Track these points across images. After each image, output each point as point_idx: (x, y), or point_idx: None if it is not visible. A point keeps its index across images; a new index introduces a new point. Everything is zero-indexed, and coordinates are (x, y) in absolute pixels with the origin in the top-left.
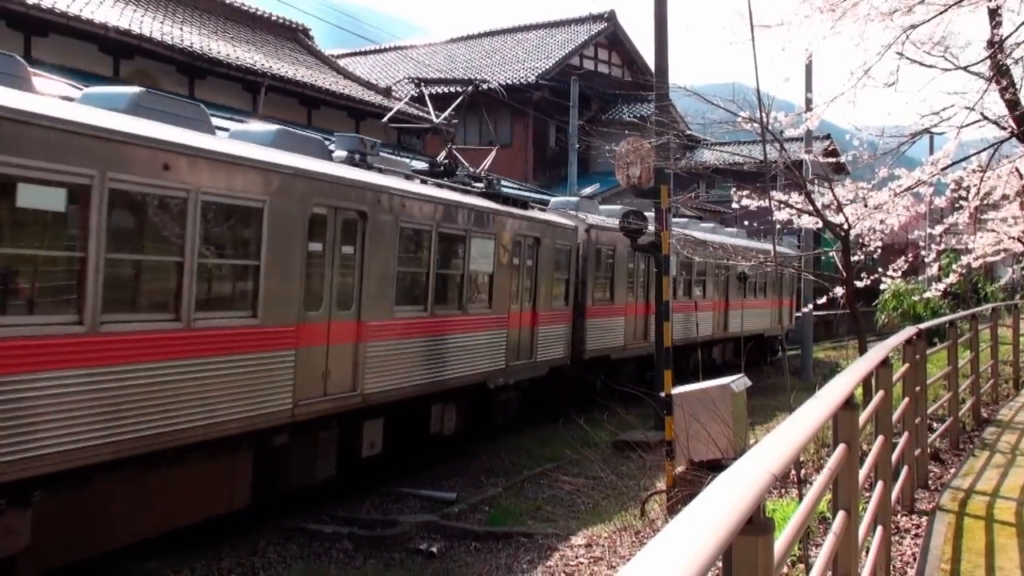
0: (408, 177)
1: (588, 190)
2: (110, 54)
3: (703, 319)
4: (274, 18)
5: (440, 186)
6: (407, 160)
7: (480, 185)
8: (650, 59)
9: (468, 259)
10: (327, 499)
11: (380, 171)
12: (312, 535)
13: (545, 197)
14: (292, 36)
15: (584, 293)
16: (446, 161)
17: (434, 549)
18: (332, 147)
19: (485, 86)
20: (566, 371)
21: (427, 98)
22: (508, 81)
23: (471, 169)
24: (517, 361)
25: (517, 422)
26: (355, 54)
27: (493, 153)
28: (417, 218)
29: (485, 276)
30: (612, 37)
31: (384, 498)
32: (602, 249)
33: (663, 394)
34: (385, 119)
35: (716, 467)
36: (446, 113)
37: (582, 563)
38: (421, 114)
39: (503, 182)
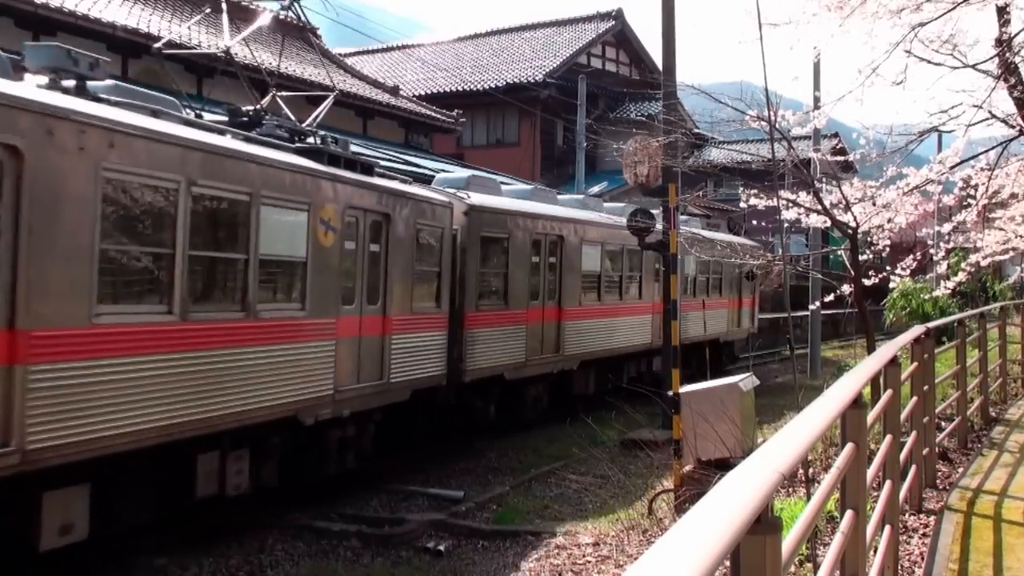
0: (155, 114)
1: (595, 188)
2: (119, 53)
3: (636, 325)
4: (282, 17)
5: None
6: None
7: (313, 145)
8: (658, 57)
9: (257, 237)
10: (334, 496)
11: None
12: (320, 533)
13: (438, 173)
14: (299, 35)
15: (463, 293)
16: (257, 107)
17: (441, 547)
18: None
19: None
20: (441, 395)
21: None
22: (515, 79)
23: (296, 122)
24: (356, 384)
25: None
26: (362, 53)
27: (330, 101)
28: (144, 163)
29: (294, 264)
30: (620, 35)
31: (391, 496)
32: (492, 236)
33: (671, 393)
34: (158, 45)
35: (724, 466)
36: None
37: (589, 562)
38: (430, 112)
39: (508, 177)
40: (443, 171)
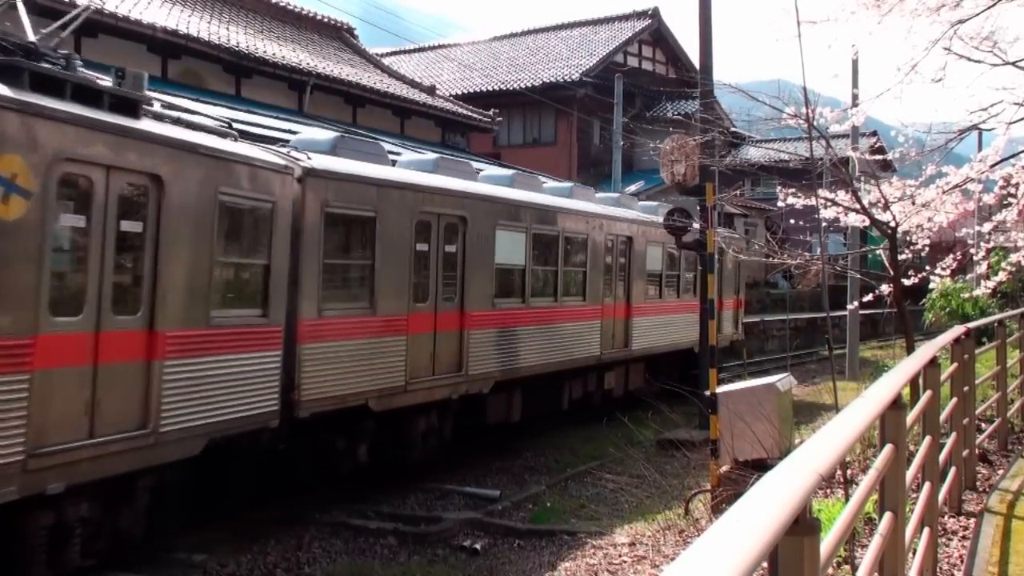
0: None
1: (632, 188)
2: (158, 54)
3: (580, 333)
4: (319, 17)
5: None
6: None
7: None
8: (694, 56)
9: None
10: (371, 494)
11: None
12: (357, 530)
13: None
14: (337, 35)
15: (298, 294)
16: None
17: (477, 546)
18: None
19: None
20: (266, 441)
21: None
22: (552, 79)
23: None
24: (83, 440)
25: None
26: (399, 52)
27: (79, 13)
28: None
29: None
30: (656, 34)
31: (428, 494)
32: (348, 215)
33: (708, 393)
34: None
35: (761, 467)
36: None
37: (625, 562)
38: (467, 112)
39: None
40: (479, 170)
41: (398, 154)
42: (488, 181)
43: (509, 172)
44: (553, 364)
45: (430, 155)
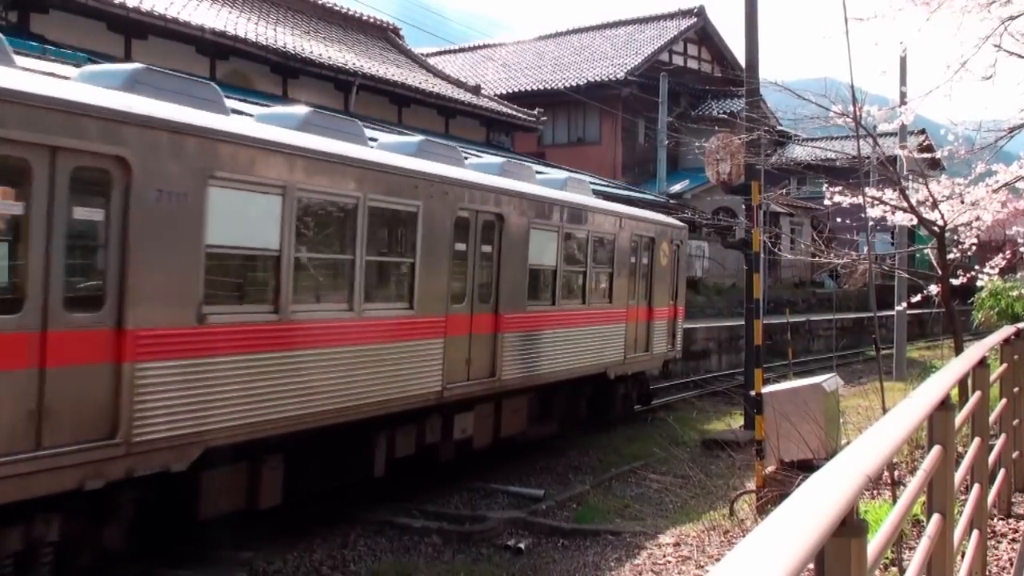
0: None
1: (677, 187)
2: (207, 55)
3: (429, 354)
4: (365, 18)
5: None
6: None
7: None
8: (740, 54)
9: None
10: (415, 493)
11: None
12: (401, 529)
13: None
14: (383, 35)
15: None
16: None
17: (522, 545)
18: None
19: None
20: None
21: None
22: (596, 78)
23: None
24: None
25: None
26: (444, 53)
27: None
28: None
29: None
30: (701, 32)
31: (472, 493)
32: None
33: (753, 393)
34: None
35: (807, 467)
36: None
37: (670, 562)
38: (512, 111)
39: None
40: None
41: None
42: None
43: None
44: (368, 406)
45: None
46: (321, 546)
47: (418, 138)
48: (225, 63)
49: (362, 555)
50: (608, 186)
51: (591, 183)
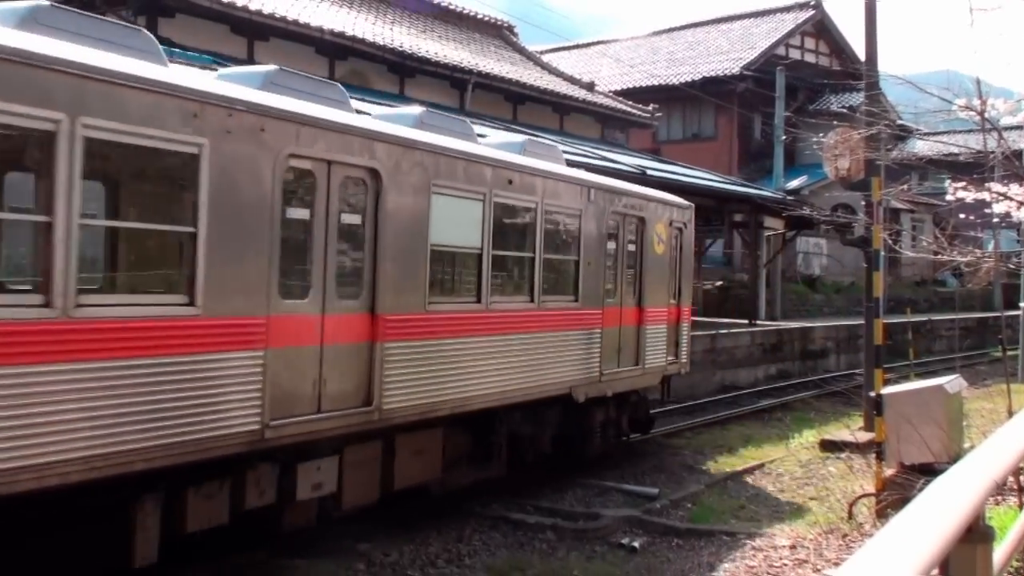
0: None
1: (795, 183)
2: (326, 56)
3: (228, 375)
4: (480, 16)
5: None
6: None
7: None
8: (859, 47)
9: None
10: (531, 489)
11: None
12: (516, 524)
13: None
14: (498, 33)
15: None
16: None
17: (636, 544)
18: None
19: None
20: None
21: None
22: (711, 73)
23: None
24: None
25: None
26: (558, 50)
27: None
28: None
29: None
30: (819, 25)
31: (586, 490)
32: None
33: (873, 394)
34: None
35: (929, 471)
36: None
37: (786, 564)
38: (626, 107)
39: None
40: (639, 166)
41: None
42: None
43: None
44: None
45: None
46: (436, 539)
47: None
48: (344, 63)
49: (477, 549)
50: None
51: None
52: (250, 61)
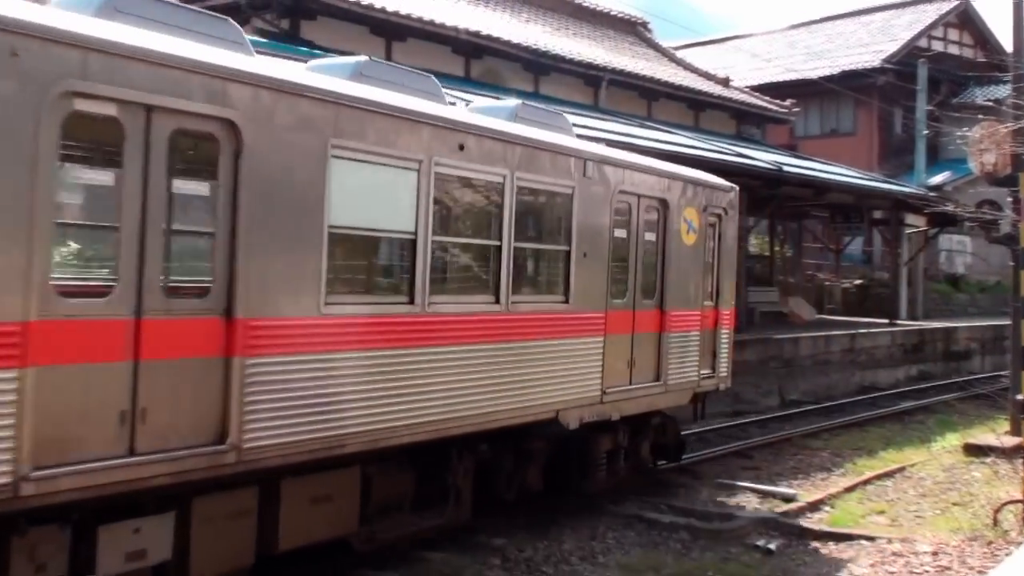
0: None
1: (938, 178)
2: (462, 55)
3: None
4: (614, 13)
5: None
6: None
7: None
8: (1006, 37)
9: None
10: (663, 488)
11: None
12: (649, 523)
13: None
14: (632, 30)
15: None
16: None
17: (772, 546)
18: None
19: None
20: None
21: None
22: (851, 66)
23: None
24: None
25: None
26: (693, 45)
27: None
28: None
29: None
30: (963, 15)
31: (721, 491)
32: None
33: (1020, 397)
34: None
35: None
36: None
37: (928, 571)
38: (762, 102)
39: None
40: (775, 162)
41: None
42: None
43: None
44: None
45: None
46: (570, 536)
47: None
48: (479, 62)
49: (610, 547)
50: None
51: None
52: (388, 61)
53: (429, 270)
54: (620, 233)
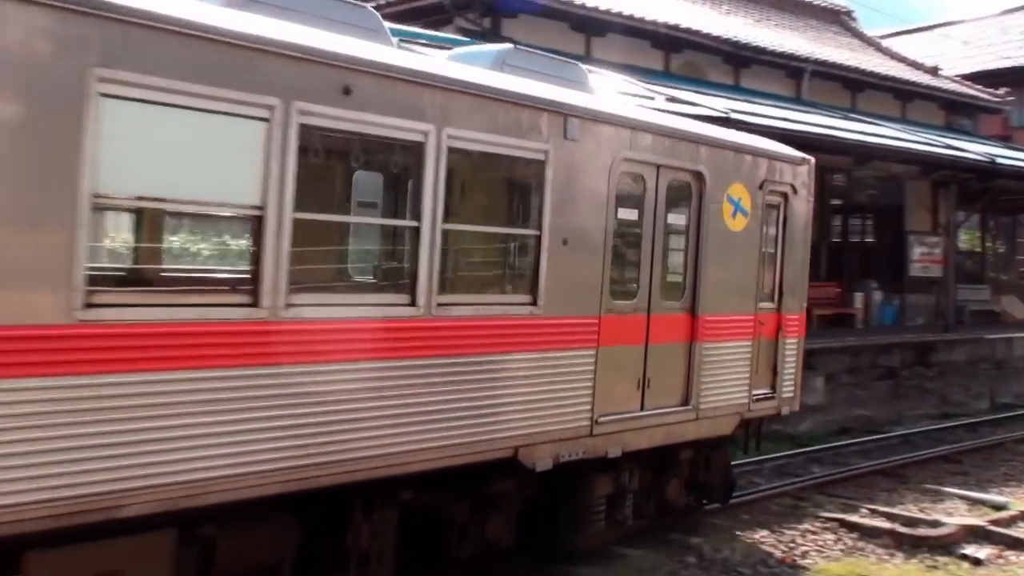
0: None
1: None
2: (661, 49)
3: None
4: (817, 2)
5: None
6: None
7: None
8: None
9: None
10: (866, 493)
11: None
12: (851, 527)
13: None
14: (835, 19)
15: None
16: None
17: (981, 556)
18: None
19: None
20: None
21: None
22: None
23: None
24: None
25: None
26: (899, 34)
27: None
28: None
29: None
30: None
31: (926, 495)
32: None
33: None
34: None
35: None
36: None
37: None
38: (973, 92)
39: None
40: (988, 154)
41: None
42: None
43: None
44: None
45: None
46: (768, 538)
47: None
48: (679, 55)
49: (811, 551)
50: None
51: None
52: (587, 56)
53: (287, 260)
54: (627, 214)
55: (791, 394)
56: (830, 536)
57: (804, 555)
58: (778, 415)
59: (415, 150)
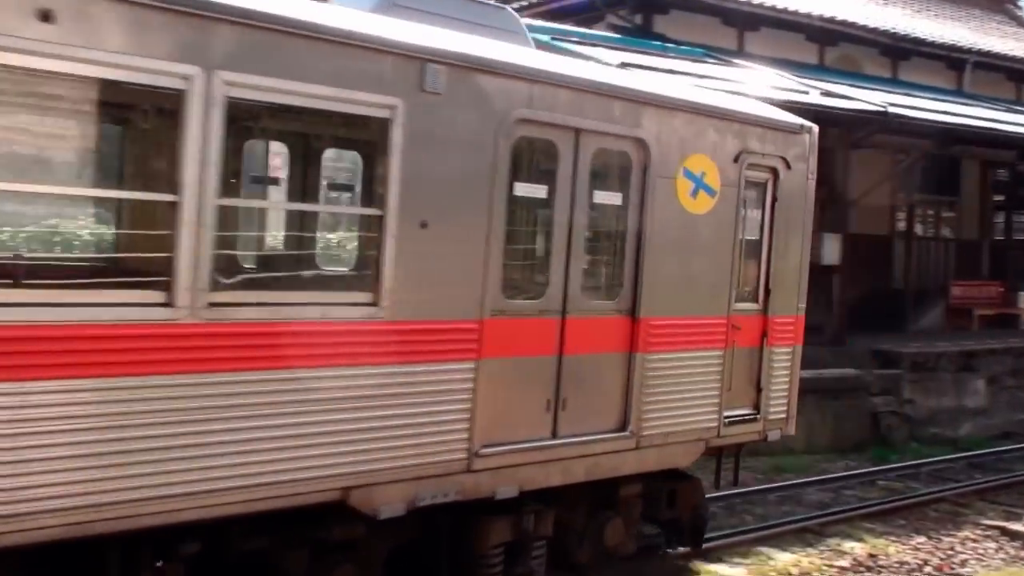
0: None
1: None
2: (815, 42)
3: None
4: None
5: None
6: None
7: None
8: None
9: None
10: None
11: None
12: (1013, 536)
13: None
14: (999, 8)
15: None
16: None
17: None
18: None
19: None
20: None
21: None
22: None
23: None
24: None
25: None
26: None
27: None
28: None
29: None
30: None
31: None
32: None
33: None
34: None
35: None
36: None
37: None
38: None
39: None
40: None
41: None
42: None
43: None
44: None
45: None
46: (927, 544)
47: None
48: (834, 49)
49: (970, 559)
50: None
51: None
52: (740, 51)
53: None
54: (530, 191)
55: (782, 414)
56: (991, 544)
57: (963, 563)
58: (763, 440)
59: (170, 98)
